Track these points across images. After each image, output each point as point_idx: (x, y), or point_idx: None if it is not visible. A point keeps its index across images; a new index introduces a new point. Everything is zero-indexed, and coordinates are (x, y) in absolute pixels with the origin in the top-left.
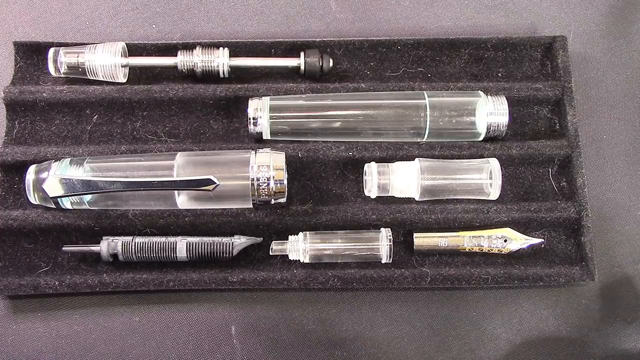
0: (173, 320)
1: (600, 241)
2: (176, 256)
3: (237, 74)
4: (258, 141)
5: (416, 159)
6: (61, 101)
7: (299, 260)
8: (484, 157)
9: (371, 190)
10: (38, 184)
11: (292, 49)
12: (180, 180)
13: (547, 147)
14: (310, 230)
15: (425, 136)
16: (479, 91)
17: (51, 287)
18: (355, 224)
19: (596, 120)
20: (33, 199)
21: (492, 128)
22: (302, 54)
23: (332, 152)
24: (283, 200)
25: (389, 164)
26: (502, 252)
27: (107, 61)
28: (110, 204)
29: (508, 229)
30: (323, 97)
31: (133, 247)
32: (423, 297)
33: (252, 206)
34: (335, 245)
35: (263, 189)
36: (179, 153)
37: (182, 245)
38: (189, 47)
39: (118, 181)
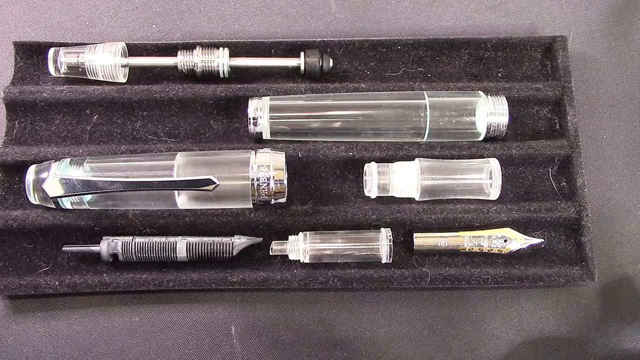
0: (173, 320)
1: (600, 241)
2: (176, 256)
3: (237, 74)
4: (258, 141)
5: (416, 159)
6: (61, 101)
7: (299, 260)
8: (484, 157)
9: (371, 190)
10: (38, 184)
11: (292, 49)
12: (180, 180)
13: (547, 147)
14: (310, 230)
15: (425, 136)
16: (479, 91)
17: (51, 287)
18: (355, 224)
19: (596, 120)
20: (33, 199)
21: (492, 128)
22: (302, 54)
23: (332, 152)
24: (283, 200)
25: (389, 164)
26: (502, 252)
27: (107, 61)
28: (110, 204)
29: (508, 229)
30: (323, 97)
31: (133, 247)
32: (423, 297)
33: (252, 206)
34: (335, 245)
35: (263, 189)
36: (179, 153)
37: (182, 245)
38: (189, 47)
39: (118, 181)
